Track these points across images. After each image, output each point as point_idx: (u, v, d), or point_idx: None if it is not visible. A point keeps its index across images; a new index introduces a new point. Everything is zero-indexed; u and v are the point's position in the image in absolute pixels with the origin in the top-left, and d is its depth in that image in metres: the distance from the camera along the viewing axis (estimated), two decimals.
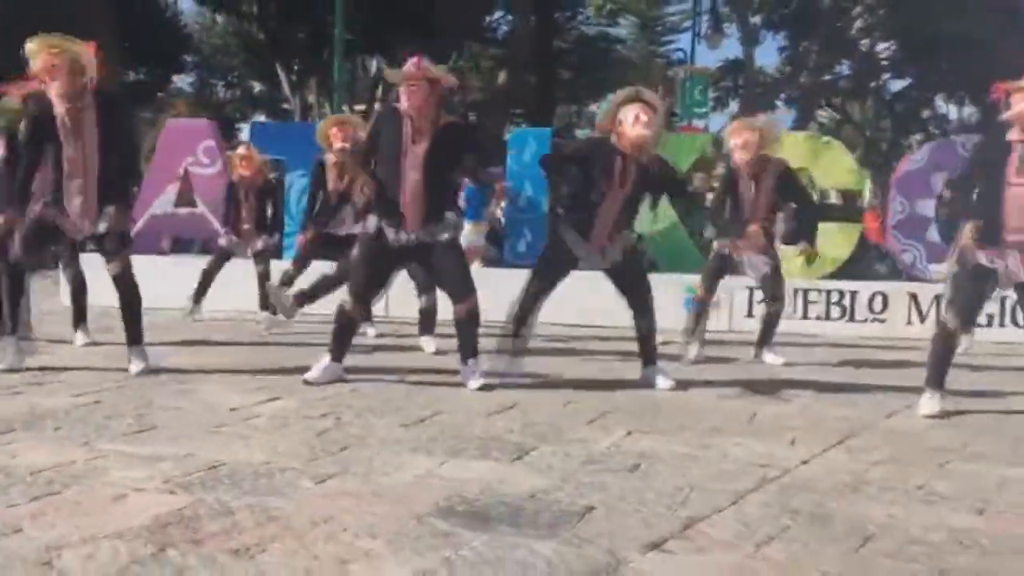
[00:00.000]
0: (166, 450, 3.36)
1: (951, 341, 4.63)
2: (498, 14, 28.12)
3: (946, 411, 4.54)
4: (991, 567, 2.48)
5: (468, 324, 4.95)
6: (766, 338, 6.48)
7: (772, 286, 6.39)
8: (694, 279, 7.16)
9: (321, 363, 4.95)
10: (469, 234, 9.76)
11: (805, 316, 8.50)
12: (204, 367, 5.32)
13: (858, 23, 20.53)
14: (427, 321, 6.34)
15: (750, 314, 8.82)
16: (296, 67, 24.95)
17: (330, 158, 6.65)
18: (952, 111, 30.48)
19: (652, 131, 4.96)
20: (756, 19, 20.53)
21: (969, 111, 29.56)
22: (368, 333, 6.75)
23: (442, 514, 2.74)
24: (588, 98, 28.83)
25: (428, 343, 6.29)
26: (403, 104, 4.84)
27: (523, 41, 25.71)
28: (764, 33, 21.04)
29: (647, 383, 5.17)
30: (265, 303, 7.11)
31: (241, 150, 7.52)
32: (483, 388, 4.82)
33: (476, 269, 9.49)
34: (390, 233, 4.86)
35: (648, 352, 5.28)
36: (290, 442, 3.57)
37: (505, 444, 3.68)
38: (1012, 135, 4.45)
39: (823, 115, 26.34)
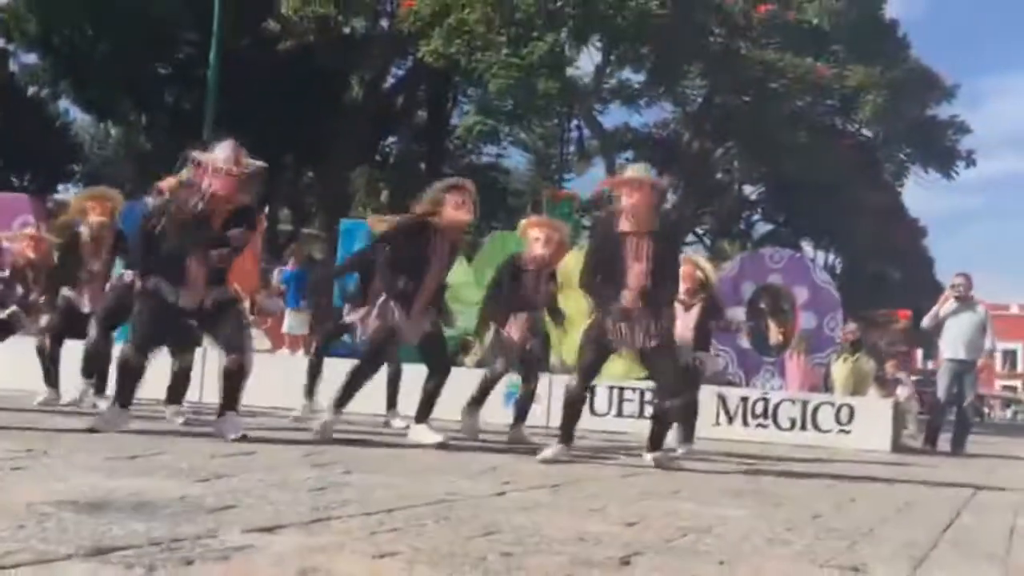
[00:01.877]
0: None
1: (578, 402, 5.22)
2: (391, 139, 29.02)
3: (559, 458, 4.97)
4: (583, 552, 2.51)
5: (235, 377, 5.07)
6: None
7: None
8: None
9: (111, 410, 5.11)
10: (291, 322, 9.74)
11: (620, 414, 8.64)
12: None
13: (721, 167, 21.78)
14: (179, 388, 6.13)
15: None
16: None
17: (84, 231, 6.53)
18: (819, 256, 32.21)
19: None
20: (628, 154, 21.57)
21: (833, 258, 31.30)
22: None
23: (58, 504, 2.64)
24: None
25: (173, 413, 6.00)
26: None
27: (413, 165, 26.44)
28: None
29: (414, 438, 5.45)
30: (49, 378, 6.82)
31: (30, 231, 7.23)
32: (241, 439, 4.78)
33: (299, 358, 9.44)
34: (170, 295, 5.08)
35: (423, 408, 5.59)
36: None
37: (202, 472, 3.58)
38: (623, 226, 5.00)
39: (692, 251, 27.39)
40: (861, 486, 4.96)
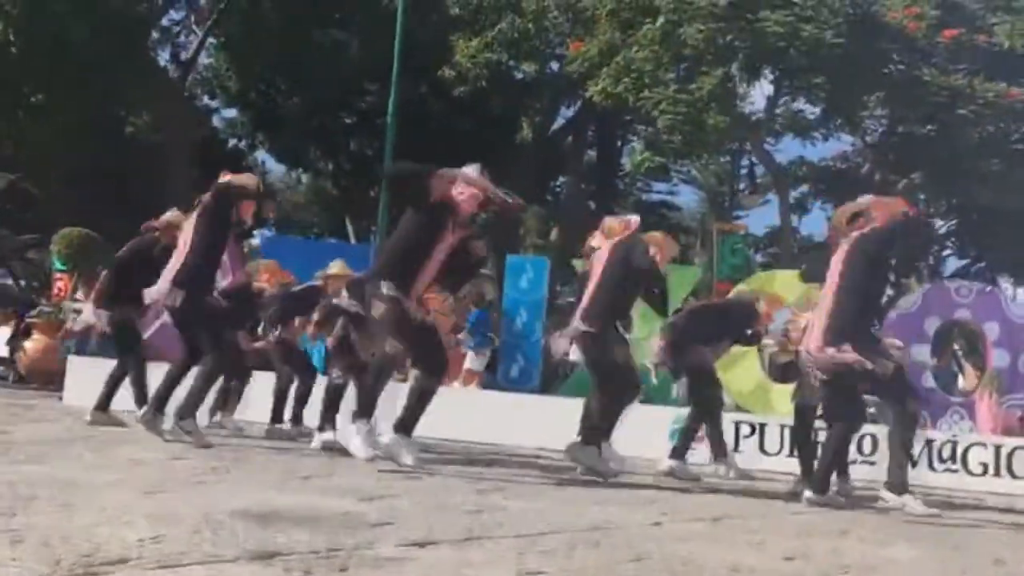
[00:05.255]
0: None
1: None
2: (561, 179, 29.40)
3: None
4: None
5: (427, 399, 4.88)
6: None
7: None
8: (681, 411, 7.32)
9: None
10: (472, 360, 9.96)
11: (792, 453, 8.28)
12: None
13: (905, 199, 20.68)
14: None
15: None
16: (366, 223, 26.29)
17: None
18: (1020, 294, 29.73)
19: None
20: (803, 188, 20.90)
21: None
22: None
23: (231, 514, 2.82)
24: None
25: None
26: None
27: (582, 204, 26.67)
28: (813, 202, 21.39)
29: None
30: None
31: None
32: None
33: (472, 391, 9.65)
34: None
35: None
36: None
37: (368, 492, 3.73)
38: None
39: None
40: None
